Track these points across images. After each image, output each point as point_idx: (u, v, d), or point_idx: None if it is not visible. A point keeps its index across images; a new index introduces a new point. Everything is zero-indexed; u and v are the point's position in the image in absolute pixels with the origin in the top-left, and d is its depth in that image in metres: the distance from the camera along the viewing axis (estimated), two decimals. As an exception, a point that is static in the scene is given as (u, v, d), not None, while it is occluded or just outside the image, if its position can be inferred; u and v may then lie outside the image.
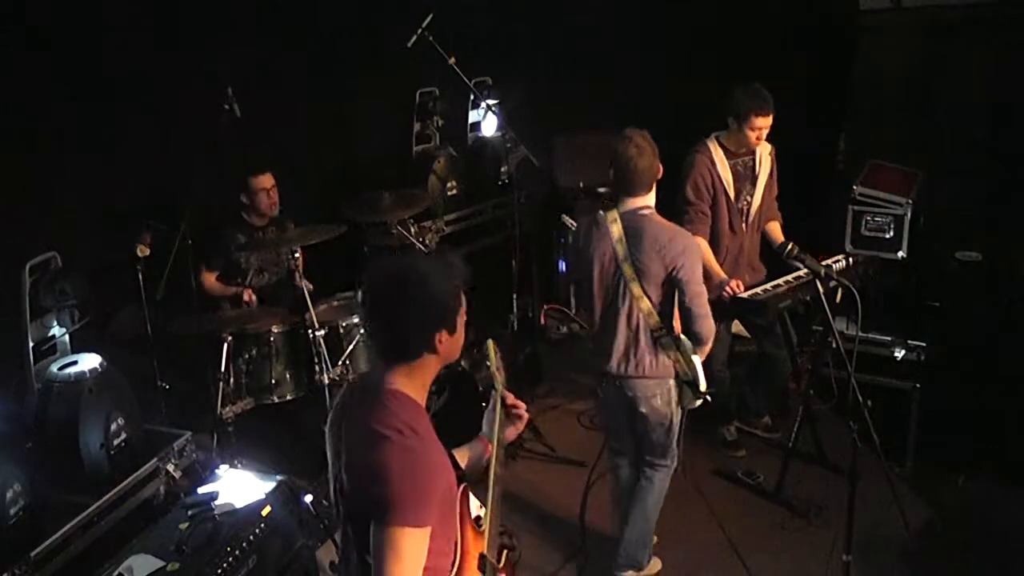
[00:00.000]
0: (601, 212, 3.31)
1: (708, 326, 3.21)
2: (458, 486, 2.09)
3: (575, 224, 3.70)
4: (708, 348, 3.31)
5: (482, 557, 2.14)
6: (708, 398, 3.36)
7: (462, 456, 2.33)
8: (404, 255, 2.18)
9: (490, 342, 2.42)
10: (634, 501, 3.53)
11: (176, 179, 4.17)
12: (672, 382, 3.32)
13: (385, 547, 1.88)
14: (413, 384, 2.04)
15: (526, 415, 2.37)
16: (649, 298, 3.21)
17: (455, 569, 2.07)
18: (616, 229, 3.22)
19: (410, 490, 1.88)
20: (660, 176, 3.25)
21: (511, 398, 2.35)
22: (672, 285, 3.20)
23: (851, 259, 4.07)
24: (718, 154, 4.06)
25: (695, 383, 3.28)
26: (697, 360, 3.27)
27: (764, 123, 3.90)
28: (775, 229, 4.26)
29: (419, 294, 1.98)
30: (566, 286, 6.05)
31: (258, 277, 4.43)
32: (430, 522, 1.91)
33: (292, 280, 4.23)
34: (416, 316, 1.98)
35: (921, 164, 4.87)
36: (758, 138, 3.96)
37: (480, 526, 2.18)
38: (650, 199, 3.26)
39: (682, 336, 3.27)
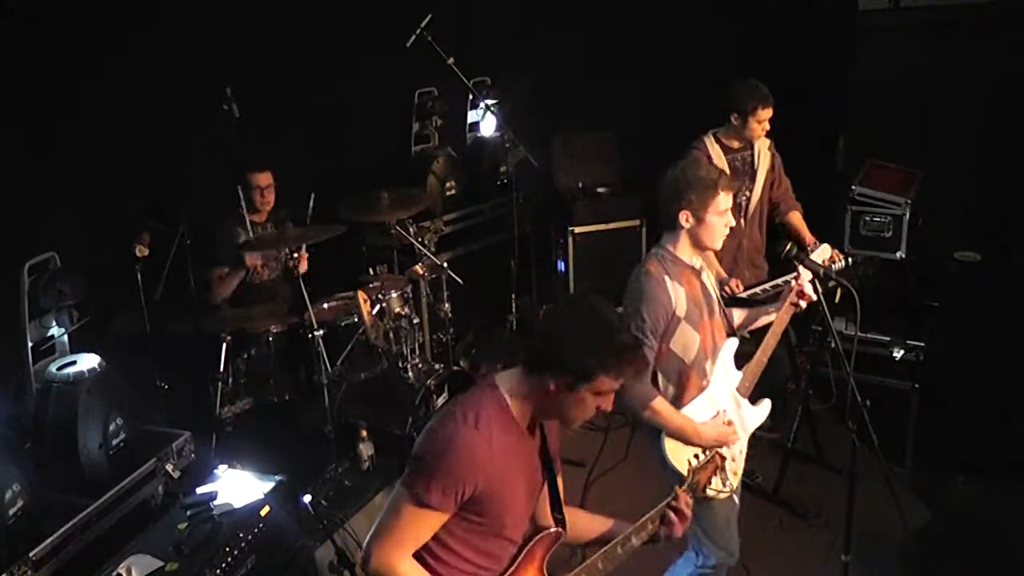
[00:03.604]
0: None
1: (632, 397, 2.75)
2: (540, 533, 2.13)
3: None
4: (666, 427, 2.83)
5: None
6: (732, 493, 2.96)
7: (590, 521, 2.28)
8: (622, 329, 1.99)
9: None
10: None
11: (176, 179, 4.18)
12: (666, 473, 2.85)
13: (390, 501, 1.97)
14: (519, 394, 1.98)
15: (682, 526, 2.14)
16: None
17: None
18: None
19: (427, 465, 1.91)
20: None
21: (682, 501, 2.15)
22: None
23: (850, 259, 4.07)
24: (715, 151, 4.08)
25: (673, 471, 2.81)
26: (669, 444, 2.85)
27: (768, 114, 3.98)
28: (797, 219, 4.23)
29: (577, 335, 1.90)
30: (564, 286, 6.05)
31: (259, 273, 4.43)
32: (434, 506, 1.90)
33: (291, 279, 4.23)
34: (559, 337, 1.93)
35: (921, 164, 4.87)
36: (764, 129, 4.01)
37: None
38: (667, 239, 2.91)
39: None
